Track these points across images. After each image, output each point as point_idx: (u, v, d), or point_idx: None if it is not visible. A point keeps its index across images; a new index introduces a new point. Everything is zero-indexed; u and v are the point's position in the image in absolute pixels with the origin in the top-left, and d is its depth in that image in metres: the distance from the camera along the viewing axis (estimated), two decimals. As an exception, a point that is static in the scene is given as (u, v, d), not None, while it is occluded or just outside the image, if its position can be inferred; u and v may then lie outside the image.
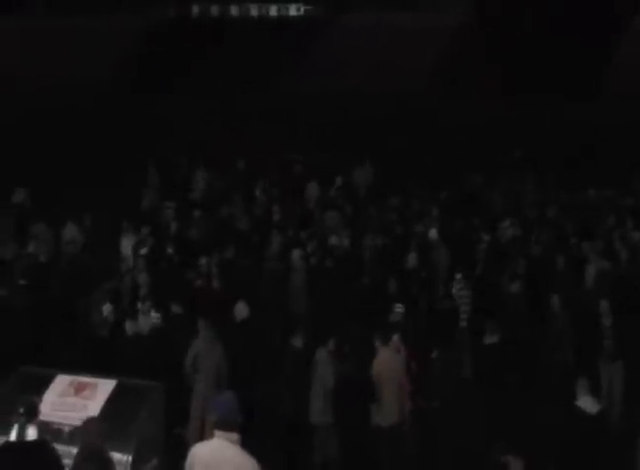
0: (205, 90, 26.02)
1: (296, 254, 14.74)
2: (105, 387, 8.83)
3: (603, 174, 19.54)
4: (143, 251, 14.93)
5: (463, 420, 11.22)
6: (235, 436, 6.09)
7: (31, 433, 6.65)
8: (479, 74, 26.03)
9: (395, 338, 10.87)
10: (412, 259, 14.61)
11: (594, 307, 12.50)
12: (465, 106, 24.35)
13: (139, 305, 12.40)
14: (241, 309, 12.12)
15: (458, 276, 13.75)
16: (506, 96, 24.86)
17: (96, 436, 6.32)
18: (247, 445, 6.14)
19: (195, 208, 17.93)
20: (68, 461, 7.92)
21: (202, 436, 10.08)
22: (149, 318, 11.96)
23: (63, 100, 23.52)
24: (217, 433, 6.12)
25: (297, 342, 11.02)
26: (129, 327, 11.61)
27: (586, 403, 9.77)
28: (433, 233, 15.81)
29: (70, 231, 16.33)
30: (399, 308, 12.16)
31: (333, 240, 15.75)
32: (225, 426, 6.09)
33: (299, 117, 24.77)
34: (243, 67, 28.27)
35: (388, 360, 10.48)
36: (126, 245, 15.85)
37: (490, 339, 11.43)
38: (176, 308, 12.46)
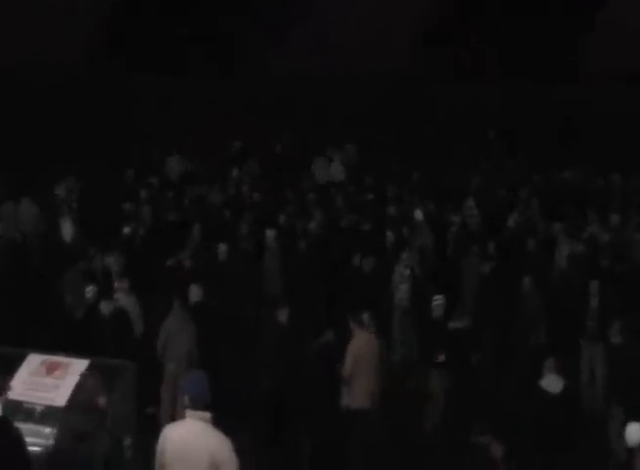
0: (180, 67, 25.71)
1: (270, 234, 14.66)
2: (77, 366, 8.69)
3: (579, 156, 19.58)
4: (125, 230, 14.73)
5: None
6: (207, 415, 6.06)
7: None
8: (455, 55, 25.93)
9: (366, 317, 10.77)
10: (390, 239, 14.47)
11: (570, 289, 12.55)
12: (442, 88, 24.29)
13: (115, 284, 12.25)
14: (195, 292, 11.99)
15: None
16: (483, 77, 24.80)
17: (92, 392, 6.18)
18: (219, 424, 6.10)
19: (169, 189, 17.75)
20: (39, 440, 7.91)
21: (173, 416, 10.05)
22: (122, 299, 11.86)
23: (32, 77, 23.14)
24: (189, 412, 6.08)
25: (282, 316, 10.94)
26: (104, 307, 11.45)
27: (549, 383, 9.82)
28: (418, 214, 15.66)
29: (28, 208, 16.07)
30: (439, 300, 11.60)
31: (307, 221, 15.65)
32: (197, 405, 6.05)
33: (278, 97, 24.61)
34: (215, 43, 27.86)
35: (364, 343, 10.42)
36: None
37: (455, 323, 11.20)
38: (150, 290, 12.37)
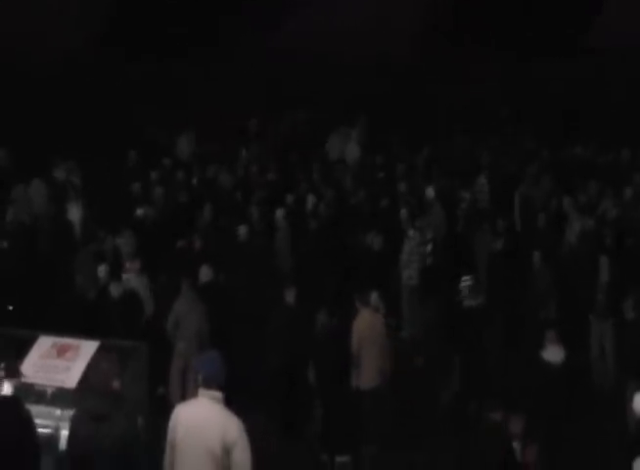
0: (180, 51, 25.61)
1: (279, 213, 14.60)
2: (87, 348, 8.73)
3: (588, 131, 19.44)
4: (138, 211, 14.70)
5: (442, 379, 11.30)
6: (219, 394, 6.05)
7: (6, 389, 6.54)
8: (460, 34, 25.74)
9: (374, 296, 10.71)
10: (403, 216, 14.35)
11: (580, 265, 12.48)
12: (448, 67, 24.13)
13: (126, 265, 12.23)
14: (205, 272, 11.99)
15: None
16: (488, 55, 24.62)
17: (108, 373, 6.19)
18: (231, 404, 6.10)
19: (178, 170, 17.70)
20: (50, 422, 7.93)
21: (183, 396, 10.06)
22: (132, 280, 11.85)
23: (34, 62, 23.09)
24: (201, 391, 6.09)
25: (290, 297, 10.91)
26: (114, 289, 11.44)
27: (551, 354, 9.83)
28: (430, 192, 15.51)
29: (38, 189, 16.06)
30: (468, 281, 11.36)
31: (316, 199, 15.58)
32: (209, 384, 6.05)
33: (284, 78, 24.50)
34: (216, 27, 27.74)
35: (368, 322, 10.36)
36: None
37: (470, 301, 11.12)
38: (161, 270, 12.37)
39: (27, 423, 6.48)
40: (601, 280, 11.87)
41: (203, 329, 10.97)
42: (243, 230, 13.87)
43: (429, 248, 13.69)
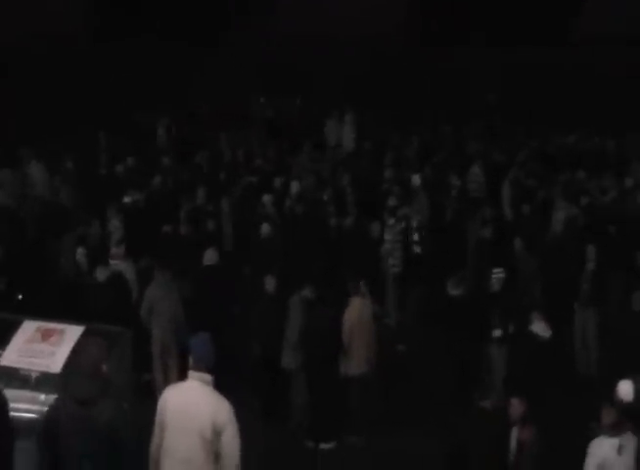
0: (171, 33, 25.50)
1: (267, 199, 14.53)
2: (72, 333, 8.63)
3: (574, 120, 19.49)
4: (127, 198, 14.58)
5: (429, 364, 11.31)
6: (208, 377, 6.07)
7: None
8: (448, 21, 25.73)
9: (361, 284, 10.69)
10: (392, 202, 14.32)
11: (565, 253, 12.48)
12: (433, 52, 24.13)
13: (112, 249, 12.18)
14: (211, 255, 11.91)
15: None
16: (475, 43, 24.63)
17: (96, 358, 6.13)
18: (219, 386, 6.10)
19: (162, 155, 17.61)
20: (34, 407, 7.85)
21: (165, 381, 10.01)
22: (118, 265, 11.77)
23: (25, 50, 22.96)
24: (191, 373, 6.10)
25: (270, 286, 10.88)
26: (100, 273, 11.34)
27: (538, 328, 9.91)
28: (415, 180, 15.47)
29: (38, 171, 15.95)
30: (499, 274, 11.14)
31: (301, 185, 15.52)
32: (199, 366, 6.06)
33: (270, 63, 24.42)
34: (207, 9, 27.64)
35: (359, 310, 10.36)
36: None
37: (455, 290, 11.07)
38: (145, 257, 12.28)
39: (1, 408, 6.41)
40: (586, 269, 11.84)
41: (178, 316, 10.85)
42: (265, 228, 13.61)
43: (415, 236, 13.61)
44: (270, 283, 10.91)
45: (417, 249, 13.60)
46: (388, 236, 13.63)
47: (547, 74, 22.95)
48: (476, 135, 19.56)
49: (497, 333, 10.70)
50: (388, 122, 20.57)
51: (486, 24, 25.23)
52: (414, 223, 13.87)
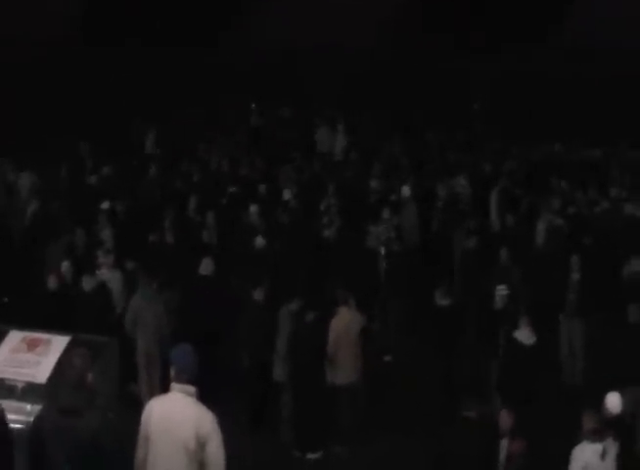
0: (161, 41, 25.52)
1: (253, 209, 14.55)
2: (58, 343, 8.67)
3: (560, 129, 19.58)
4: (104, 205, 14.58)
5: (415, 374, 11.35)
6: (191, 389, 6.05)
7: None
8: (430, 28, 25.82)
9: (348, 294, 10.68)
10: (386, 215, 14.34)
11: (549, 263, 12.54)
12: (418, 60, 24.24)
13: (100, 259, 12.12)
14: (207, 265, 11.92)
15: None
16: (460, 49, 24.74)
17: (81, 368, 6.13)
18: (203, 398, 6.08)
19: (150, 164, 17.62)
20: (21, 418, 7.84)
21: (150, 392, 10.00)
22: (106, 274, 11.77)
23: (11, 53, 22.94)
24: (173, 385, 6.07)
25: (259, 296, 10.90)
26: (86, 283, 11.34)
27: (522, 335, 9.94)
28: (405, 190, 15.53)
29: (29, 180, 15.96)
30: (503, 291, 10.97)
31: (287, 194, 15.57)
32: (182, 378, 6.03)
33: (262, 72, 24.49)
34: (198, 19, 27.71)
35: (347, 320, 10.39)
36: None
37: (443, 300, 11.10)
38: (131, 265, 12.25)
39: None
40: (572, 279, 11.89)
41: (162, 327, 10.80)
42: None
43: (382, 250, 13.64)
44: (260, 294, 10.91)
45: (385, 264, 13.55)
46: (370, 243, 13.71)
47: (532, 83, 23.07)
48: (461, 145, 19.63)
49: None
50: (376, 131, 20.62)
51: (466, 34, 25.34)
52: (391, 233, 13.91)
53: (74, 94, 22.07)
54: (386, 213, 14.22)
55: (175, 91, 22.96)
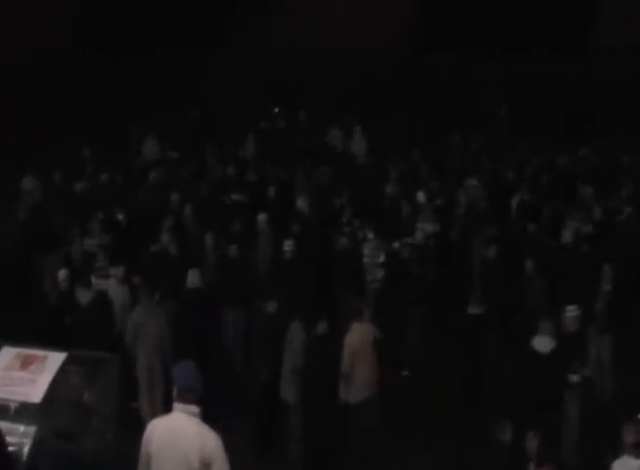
0: (162, 46, 25.54)
1: (261, 217, 14.46)
2: (54, 359, 8.53)
3: (585, 133, 19.49)
4: (101, 214, 14.52)
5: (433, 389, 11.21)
6: (195, 408, 5.97)
7: None
8: (458, 27, 25.76)
9: (362, 307, 10.59)
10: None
11: (576, 273, 12.40)
12: (443, 61, 24.19)
13: (110, 270, 12.05)
14: (193, 276, 11.81)
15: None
16: (485, 51, 24.66)
17: (77, 387, 6.03)
18: (207, 417, 6.00)
19: (147, 172, 17.59)
20: (14, 439, 7.72)
21: (153, 410, 9.89)
22: (112, 287, 11.70)
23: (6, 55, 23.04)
24: (176, 405, 5.99)
25: (272, 308, 10.81)
26: (82, 295, 11.23)
27: (540, 343, 9.74)
28: (420, 196, 15.43)
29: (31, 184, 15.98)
30: (574, 311, 10.44)
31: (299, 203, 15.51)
32: (185, 398, 5.95)
33: (265, 75, 24.49)
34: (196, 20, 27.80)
35: (361, 335, 10.23)
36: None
37: (474, 309, 11.01)
38: (135, 278, 12.17)
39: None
40: (603, 289, 11.73)
41: (164, 341, 10.68)
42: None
43: (381, 258, 13.60)
44: (273, 306, 10.83)
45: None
46: (365, 251, 13.68)
47: (555, 86, 22.98)
48: (481, 149, 19.54)
49: (575, 378, 10.13)
50: (389, 135, 20.58)
51: (491, 35, 25.28)
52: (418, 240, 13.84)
53: (74, 97, 22.14)
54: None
55: (176, 93, 22.99)
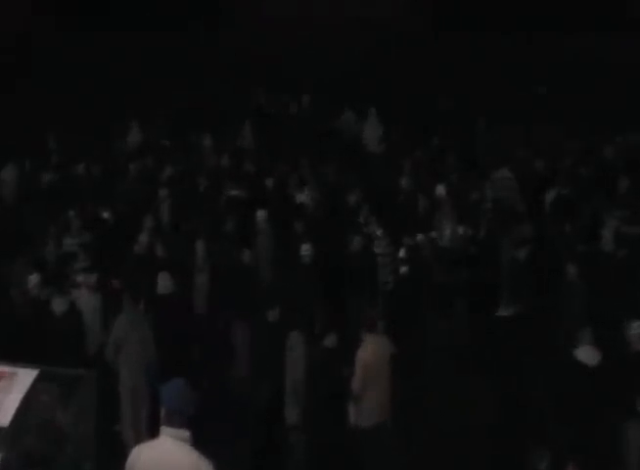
0: (149, 24, 25.73)
1: (260, 215, 14.42)
2: (24, 377, 8.47)
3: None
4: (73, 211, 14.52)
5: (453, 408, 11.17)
6: (185, 433, 5.92)
7: None
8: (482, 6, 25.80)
9: (377, 318, 10.53)
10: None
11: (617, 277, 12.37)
12: (467, 38, 24.20)
13: (79, 277, 12.03)
14: (164, 281, 11.77)
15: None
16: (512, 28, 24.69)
17: (48, 408, 5.99)
18: (200, 442, 5.96)
19: (130, 162, 17.65)
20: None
21: (137, 434, 9.87)
22: (85, 296, 11.70)
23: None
24: (163, 429, 5.93)
25: (273, 316, 10.82)
26: (57, 305, 11.18)
27: (585, 354, 9.68)
28: (440, 190, 15.54)
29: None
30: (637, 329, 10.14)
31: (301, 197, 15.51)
32: (173, 421, 5.89)
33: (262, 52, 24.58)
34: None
35: (374, 350, 10.11)
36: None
37: (506, 311, 11.00)
38: (115, 282, 12.14)
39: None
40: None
41: (148, 351, 10.66)
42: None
43: (401, 252, 13.64)
44: (273, 314, 10.86)
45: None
46: (377, 249, 13.72)
47: (594, 65, 22.97)
48: (514, 137, 19.54)
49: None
50: (402, 120, 20.56)
51: (513, 9, 25.35)
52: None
53: (50, 79, 22.29)
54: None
55: (165, 80, 23.08)
